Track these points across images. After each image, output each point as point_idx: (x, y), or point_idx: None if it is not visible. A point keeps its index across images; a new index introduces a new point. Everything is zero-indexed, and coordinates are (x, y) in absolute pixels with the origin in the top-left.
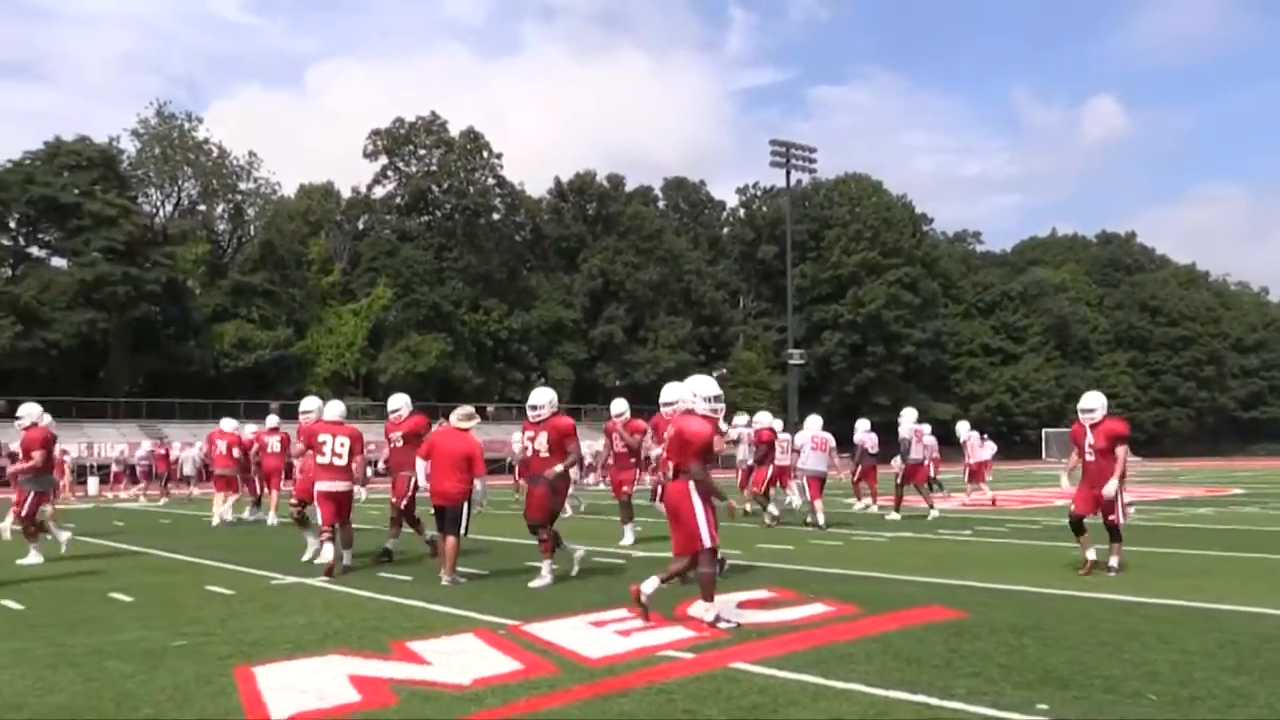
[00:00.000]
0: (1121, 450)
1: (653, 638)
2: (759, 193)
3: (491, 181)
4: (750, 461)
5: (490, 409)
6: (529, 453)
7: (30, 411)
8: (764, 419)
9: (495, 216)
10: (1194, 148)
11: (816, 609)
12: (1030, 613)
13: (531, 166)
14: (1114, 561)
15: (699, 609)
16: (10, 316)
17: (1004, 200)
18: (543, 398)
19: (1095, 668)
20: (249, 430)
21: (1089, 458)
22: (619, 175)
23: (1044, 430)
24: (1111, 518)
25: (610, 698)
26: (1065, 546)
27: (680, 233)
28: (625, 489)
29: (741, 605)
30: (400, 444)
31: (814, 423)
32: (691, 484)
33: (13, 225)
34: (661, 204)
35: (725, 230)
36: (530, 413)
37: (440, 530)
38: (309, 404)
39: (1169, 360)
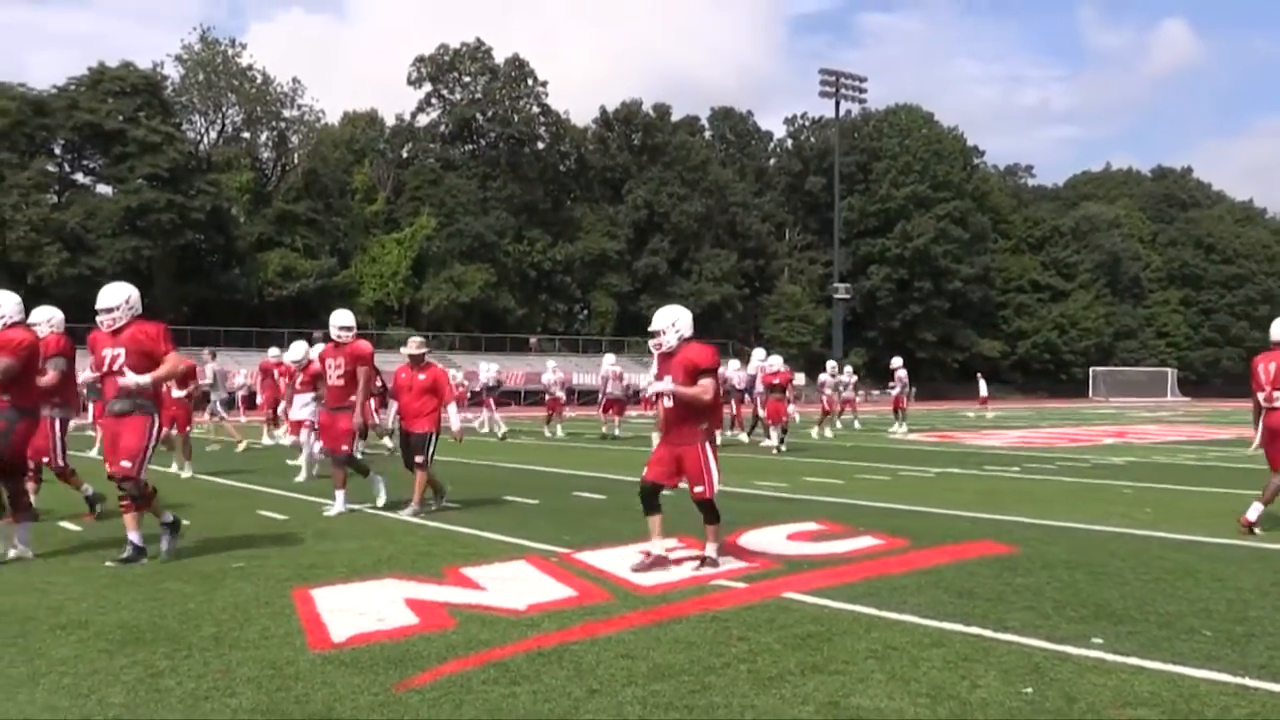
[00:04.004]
0: (707, 383)
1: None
2: (807, 123)
3: (536, 110)
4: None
5: (534, 340)
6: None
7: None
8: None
9: (540, 146)
10: (1265, 76)
11: (867, 542)
12: (1081, 549)
13: (577, 94)
14: (711, 550)
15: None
16: (56, 243)
17: (1059, 132)
18: (115, 297)
19: (1149, 603)
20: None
21: (667, 402)
22: (665, 105)
23: (1091, 369)
24: (699, 489)
25: (665, 624)
26: (1114, 484)
27: (726, 164)
28: (346, 445)
29: (791, 537)
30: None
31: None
32: None
33: (58, 151)
34: (708, 134)
35: (772, 162)
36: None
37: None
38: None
39: (1222, 299)
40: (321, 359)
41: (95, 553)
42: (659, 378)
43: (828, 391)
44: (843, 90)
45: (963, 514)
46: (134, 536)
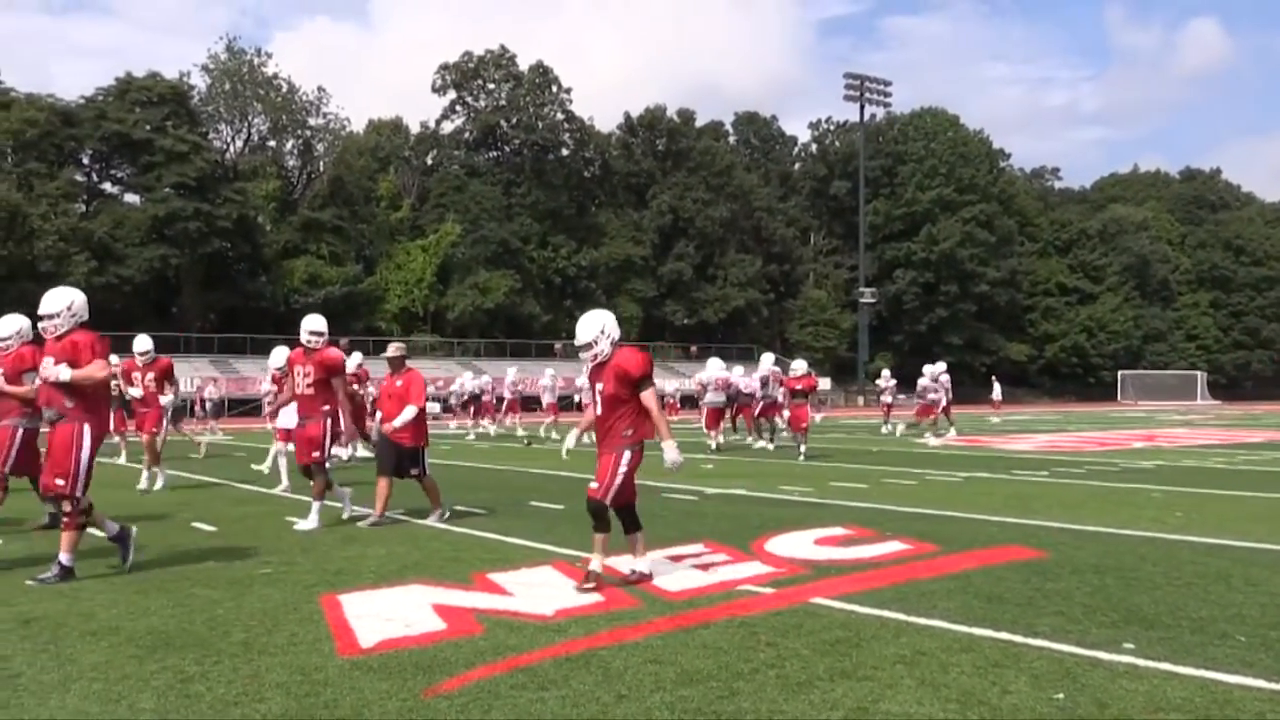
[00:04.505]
0: (648, 398)
1: (732, 572)
2: (832, 127)
3: (560, 117)
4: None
5: (558, 346)
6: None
7: None
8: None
9: (564, 152)
10: None
11: (894, 546)
12: (1111, 553)
13: (601, 100)
14: (641, 565)
15: None
16: (85, 252)
17: (1086, 134)
18: (56, 304)
19: (1181, 608)
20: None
21: (598, 410)
22: (689, 110)
23: (1120, 372)
24: (594, 486)
25: (692, 630)
26: (1143, 488)
27: (751, 168)
28: (316, 454)
29: (818, 542)
30: None
31: (714, 365)
32: None
33: (86, 161)
34: (732, 139)
35: (797, 166)
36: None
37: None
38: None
39: (1252, 301)
40: (290, 365)
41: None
42: (591, 386)
43: (932, 396)
44: (867, 94)
45: (991, 518)
46: (64, 557)
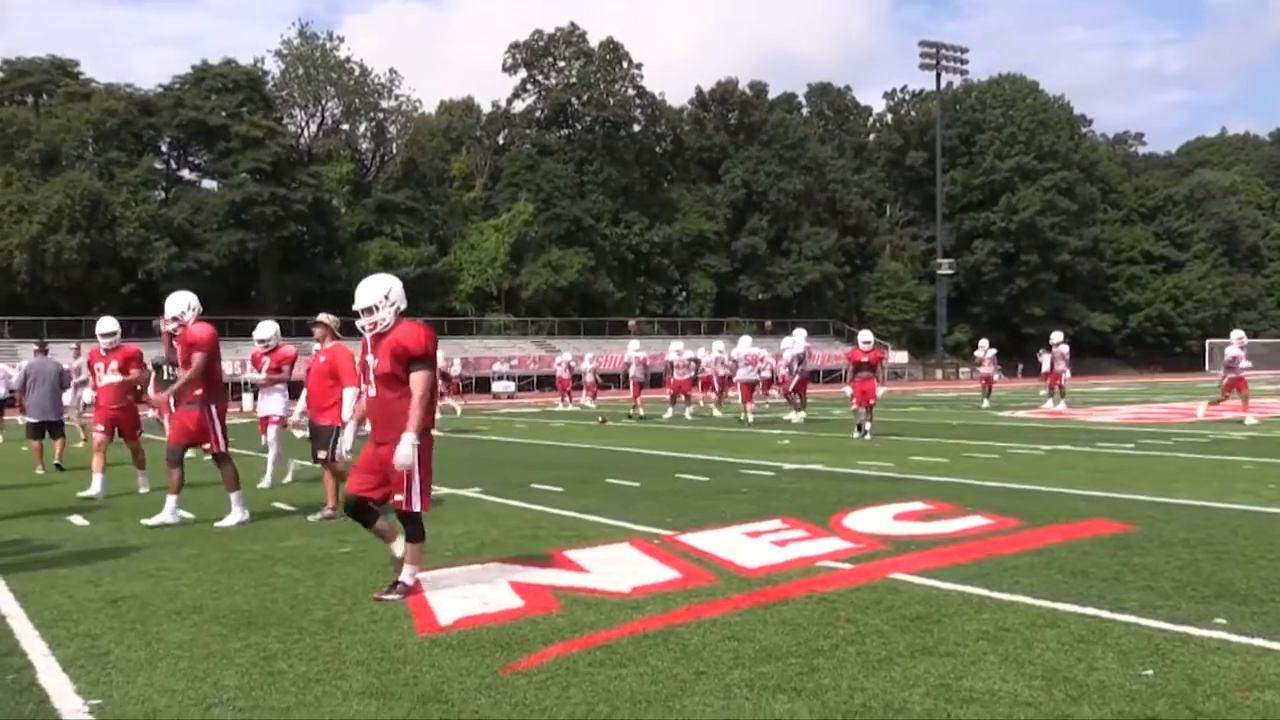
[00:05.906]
0: (417, 379)
1: (810, 548)
2: (907, 97)
3: (631, 93)
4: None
5: (633, 323)
6: None
7: None
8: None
9: (635, 128)
10: None
11: (976, 521)
12: (1201, 527)
13: (672, 74)
14: (406, 574)
15: None
16: (165, 238)
17: (1171, 97)
18: None
19: (1275, 583)
20: None
21: (370, 391)
22: (761, 83)
23: (1207, 341)
24: (398, 498)
25: (771, 606)
26: (1234, 460)
27: (825, 140)
28: (184, 441)
29: (898, 517)
30: None
31: (746, 342)
32: None
33: (164, 149)
34: (805, 111)
35: (871, 137)
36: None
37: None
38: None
39: None
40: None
41: (206, 538)
42: (365, 362)
43: (1244, 365)
44: (944, 62)
45: (1076, 492)
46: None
